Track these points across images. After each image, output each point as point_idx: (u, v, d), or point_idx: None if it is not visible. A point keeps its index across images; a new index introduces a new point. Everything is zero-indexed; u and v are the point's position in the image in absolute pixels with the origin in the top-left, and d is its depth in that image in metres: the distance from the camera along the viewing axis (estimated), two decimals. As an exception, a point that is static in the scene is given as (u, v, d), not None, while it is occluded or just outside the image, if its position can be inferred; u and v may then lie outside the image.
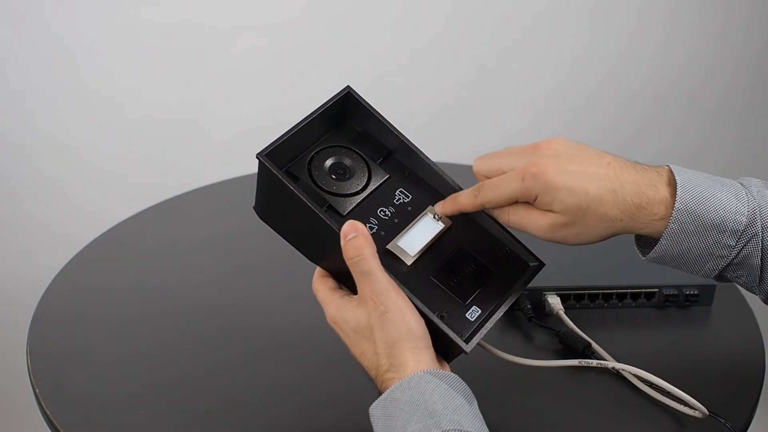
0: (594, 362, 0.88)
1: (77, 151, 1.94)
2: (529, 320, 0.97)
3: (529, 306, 0.98)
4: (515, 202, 0.76)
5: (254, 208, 0.80)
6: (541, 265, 0.80)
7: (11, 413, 1.87)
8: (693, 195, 0.74)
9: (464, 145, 2.14)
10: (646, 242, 0.79)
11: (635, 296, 1.00)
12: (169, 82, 1.96)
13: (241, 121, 2.03)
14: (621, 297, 1.00)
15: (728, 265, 0.76)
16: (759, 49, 2.21)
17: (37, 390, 0.88)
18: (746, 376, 0.89)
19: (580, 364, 0.88)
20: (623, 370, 0.87)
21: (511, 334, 0.96)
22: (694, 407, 0.82)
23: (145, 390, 0.88)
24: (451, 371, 0.73)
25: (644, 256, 0.78)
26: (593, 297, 1.00)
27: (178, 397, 0.88)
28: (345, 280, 0.77)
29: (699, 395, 0.82)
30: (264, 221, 0.80)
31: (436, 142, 2.13)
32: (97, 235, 1.16)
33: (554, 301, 0.98)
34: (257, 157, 0.75)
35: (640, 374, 0.85)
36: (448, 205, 0.79)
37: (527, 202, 0.75)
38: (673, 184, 0.74)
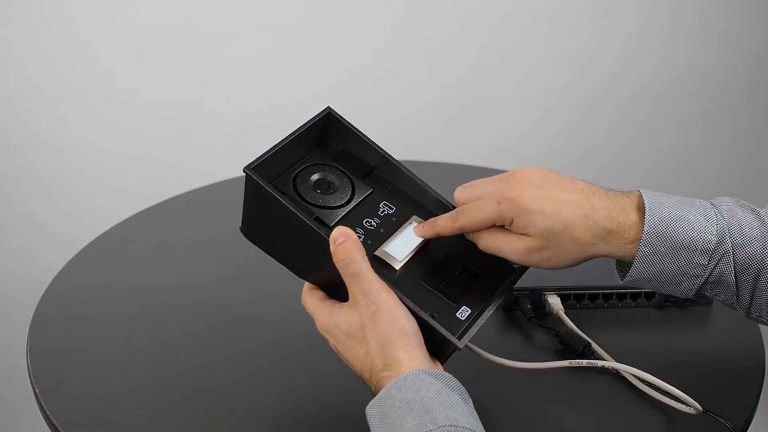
0: (584, 362, 0.88)
1: (77, 151, 1.94)
2: (529, 320, 0.97)
3: (529, 306, 0.98)
4: (492, 226, 0.78)
5: (241, 229, 0.82)
6: (526, 267, 0.82)
7: (11, 413, 1.87)
8: (661, 218, 0.76)
9: (464, 145, 2.14)
10: (624, 266, 0.81)
11: (635, 296, 1.00)
12: (169, 82, 1.96)
13: (241, 121, 2.03)
14: (621, 297, 1.00)
15: (704, 284, 0.78)
16: (759, 49, 2.21)
17: (37, 390, 0.88)
18: (746, 376, 0.90)
19: (570, 365, 0.88)
20: (618, 369, 0.87)
21: (511, 334, 0.96)
22: (687, 404, 0.82)
23: (145, 390, 0.88)
24: (447, 372, 0.74)
25: (622, 280, 0.80)
26: (593, 297, 1.00)
27: (178, 397, 0.88)
28: (334, 293, 0.79)
29: (699, 395, 0.82)
30: (251, 240, 0.82)
31: (436, 142, 2.14)
32: (97, 235, 1.16)
33: (554, 301, 0.98)
34: (244, 171, 0.77)
35: (633, 372, 0.85)
36: (427, 229, 0.81)
37: (503, 226, 0.78)
38: (642, 208, 0.77)
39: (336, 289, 0.77)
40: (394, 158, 0.84)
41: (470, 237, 0.80)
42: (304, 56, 2.02)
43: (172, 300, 1.03)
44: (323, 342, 0.78)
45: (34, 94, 1.89)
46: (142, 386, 0.89)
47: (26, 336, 0.96)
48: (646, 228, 0.75)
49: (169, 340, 0.96)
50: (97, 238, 1.15)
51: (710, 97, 2.24)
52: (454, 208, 0.81)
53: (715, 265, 0.77)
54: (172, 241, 1.17)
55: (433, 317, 0.76)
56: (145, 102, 1.96)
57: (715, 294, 0.79)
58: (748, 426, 0.84)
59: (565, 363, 0.88)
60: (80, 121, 1.93)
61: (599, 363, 0.88)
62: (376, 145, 0.84)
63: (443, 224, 0.79)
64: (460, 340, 0.75)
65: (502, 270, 0.82)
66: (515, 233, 0.77)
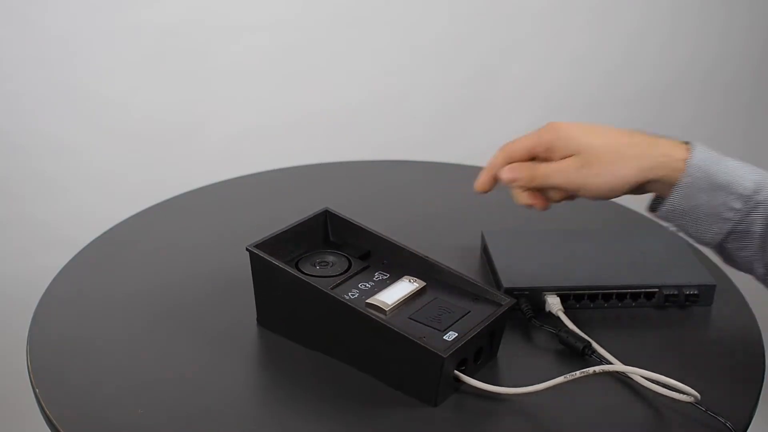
0: (578, 373, 0.83)
1: (77, 151, 1.94)
2: (529, 320, 0.97)
3: (528, 306, 0.98)
4: (533, 159, 0.83)
5: (258, 320, 0.93)
6: (512, 301, 0.88)
7: (11, 413, 1.87)
8: (707, 155, 0.80)
9: (464, 145, 2.14)
10: (657, 203, 0.84)
11: (635, 296, 1.00)
12: (169, 82, 1.96)
13: (241, 121, 2.03)
14: (621, 297, 1.00)
15: (732, 231, 0.80)
16: (759, 49, 2.21)
17: (37, 390, 0.88)
18: (746, 375, 0.89)
19: (565, 380, 0.83)
20: (612, 370, 0.87)
21: (510, 334, 0.96)
22: (684, 392, 0.81)
23: (145, 390, 0.88)
24: (445, 407, 0.78)
25: (654, 212, 0.84)
26: (593, 297, 1.00)
27: (178, 397, 0.88)
28: (363, 358, 0.86)
29: (699, 395, 0.82)
30: (270, 328, 0.92)
31: (436, 142, 2.14)
32: (97, 235, 1.16)
33: (554, 301, 0.98)
34: (247, 249, 0.87)
35: (621, 369, 0.86)
36: (483, 177, 0.86)
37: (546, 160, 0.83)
38: (689, 148, 0.81)
39: (364, 354, 0.84)
40: (395, 241, 0.92)
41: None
42: (304, 56, 2.02)
43: (172, 300, 1.03)
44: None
45: (34, 94, 1.89)
46: (143, 387, 0.89)
47: (26, 336, 0.96)
48: (691, 159, 0.79)
49: (169, 341, 0.96)
50: (97, 238, 1.15)
51: (711, 98, 2.24)
52: (457, 274, 0.88)
53: (748, 213, 0.79)
54: (172, 241, 1.17)
55: (420, 340, 0.80)
56: (145, 102, 1.97)
57: (740, 246, 0.81)
58: (748, 426, 0.84)
59: (561, 379, 0.83)
60: (80, 121, 1.93)
61: (590, 370, 0.84)
62: (375, 232, 0.93)
63: (491, 162, 0.84)
64: (443, 352, 0.79)
65: (489, 308, 0.87)
66: (559, 160, 0.81)
